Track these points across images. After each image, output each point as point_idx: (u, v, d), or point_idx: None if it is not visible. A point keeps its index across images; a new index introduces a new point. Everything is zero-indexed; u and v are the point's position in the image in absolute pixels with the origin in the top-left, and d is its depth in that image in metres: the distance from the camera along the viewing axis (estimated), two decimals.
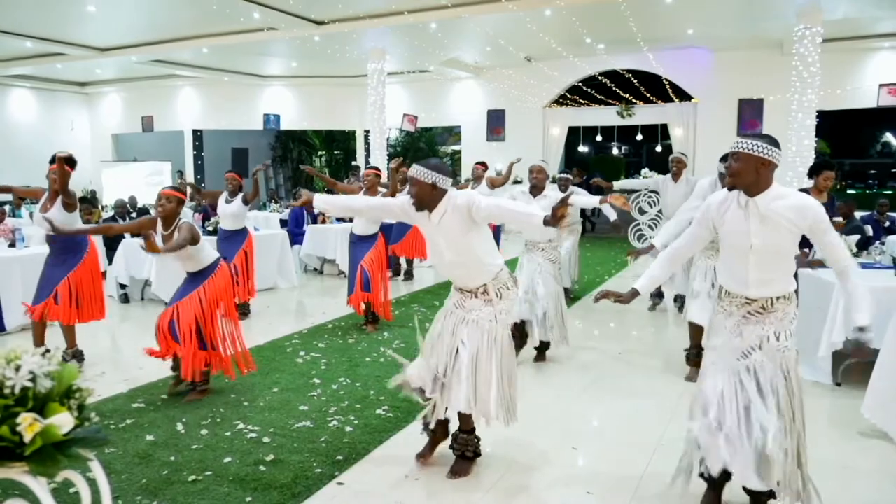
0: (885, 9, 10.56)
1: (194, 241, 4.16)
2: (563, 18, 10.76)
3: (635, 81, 14.13)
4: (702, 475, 2.80)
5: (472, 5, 10.49)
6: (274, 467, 3.24)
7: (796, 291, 2.81)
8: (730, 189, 2.69)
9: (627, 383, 4.69)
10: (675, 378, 4.73)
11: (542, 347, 5.22)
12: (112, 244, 8.23)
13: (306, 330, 6.14)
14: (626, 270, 9.88)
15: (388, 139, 15.02)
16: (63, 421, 1.62)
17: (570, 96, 15.20)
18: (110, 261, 8.00)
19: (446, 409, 3.20)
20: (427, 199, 3.08)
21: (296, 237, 9.64)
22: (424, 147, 22.01)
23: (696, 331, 4.70)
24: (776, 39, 12.31)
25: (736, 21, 11.32)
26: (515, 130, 15.70)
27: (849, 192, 24.48)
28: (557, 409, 4.15)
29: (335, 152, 23.37)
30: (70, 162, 4.71)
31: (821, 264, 4.67)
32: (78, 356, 5.09)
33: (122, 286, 7.59)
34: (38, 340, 4.96)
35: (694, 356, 4.71)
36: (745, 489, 2.75)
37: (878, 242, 6.44)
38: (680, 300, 6.54)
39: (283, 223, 10.83)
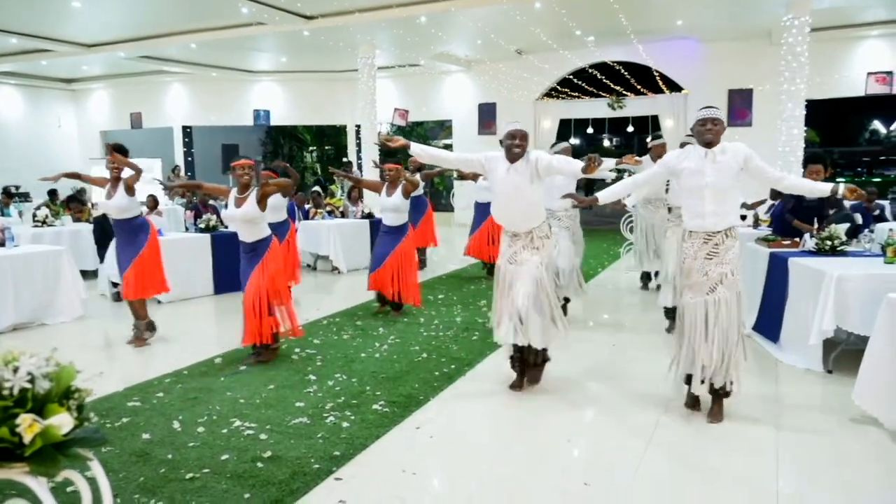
0: None
1: (264, 205, 4.90)
2: (553, 11, 10.74)
3: (626, 73, 14.14)
4: (688, 380, 3.86)
5: None
6: (271, 464, 3.25)
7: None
8: (710, 146, 3.68)
9: (621, 373, 4.71)
10: (666, 366, 4.76)
11: (563, 304, 5.87)
12: (104, 242, 8.18)
13: (301, 326, 6.11)
14: (619, 262, 9.92)
15: (378, 133, 14.96)
16: (62, 421, 1.62)
17: (560, 89, 15.19)
18: (101, 259, 7.96)
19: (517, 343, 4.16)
20: (522, 153, 4.07)
21: None
22: (416, 141, 21.95)
23: (667, 311, 5.80)
24: (765, 29, 12.33)
25: (724, 11, 11.34)
26: (507, 124, 15.67)
27: (838, 180, 24.61)
28: (551, 401, 4.17)
29: (326, 147, 23.30)
30: (120, 149, 5.39)
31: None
32: (150, 327, 5.68)
33: (115, 284, 7.55)
34: (141, 314, 5.63)
35: (670, 318, 5.74)
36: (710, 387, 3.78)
37: (867, 230, 6.48)
38: (646, 277, 7.79)
39: None
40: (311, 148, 23.31)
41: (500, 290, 4.20)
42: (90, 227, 9.05)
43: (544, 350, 4.31)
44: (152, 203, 10.48)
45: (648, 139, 15.47)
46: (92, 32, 12.99)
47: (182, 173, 15.21)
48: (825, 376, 4.53)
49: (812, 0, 10.11)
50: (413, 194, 9.08)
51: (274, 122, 18.12)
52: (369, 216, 9.95)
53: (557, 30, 12.15)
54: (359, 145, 17.39)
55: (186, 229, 8.77)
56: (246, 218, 4.84)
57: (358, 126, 16.95)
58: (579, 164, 3.91)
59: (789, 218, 5.86)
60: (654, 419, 3.80)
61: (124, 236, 5.53)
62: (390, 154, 20.75)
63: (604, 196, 4.06)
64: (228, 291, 7.82)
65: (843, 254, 5.04)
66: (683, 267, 3.81)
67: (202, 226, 8.05)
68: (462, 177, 8.44)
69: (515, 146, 4.06)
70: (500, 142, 4.85)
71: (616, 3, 10.12)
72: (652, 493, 3.01)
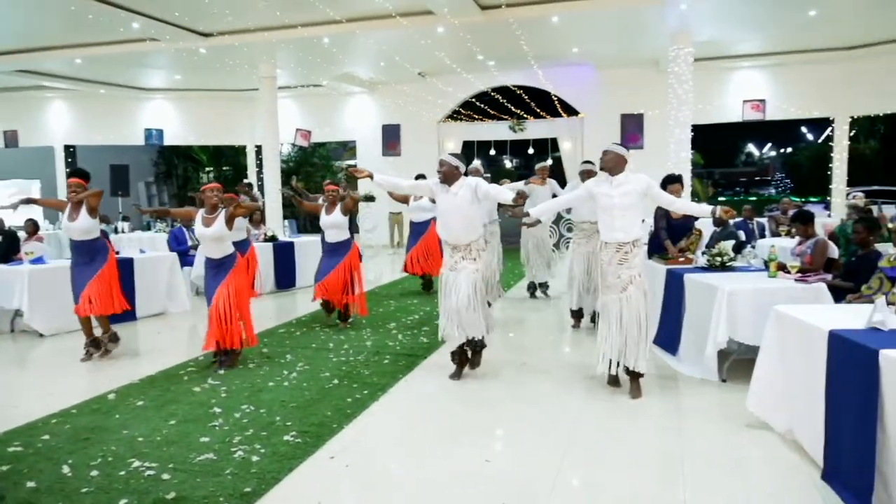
0: (743, 31, 11.57)
1: (232, 225, 5.42)
2: (456, 36, 10.97)
3: (526, 97, 14.62)
4: (610, 365, 4.58)
5: (365, 21, 10.49)
6: None
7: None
8: (602, 169, 4.64)
9: (533, 390, 4.78)
10: (577, 384, 4.89)
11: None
12: None
13: (202, 356, 5.82)
14: (525, 280, 10.13)
15: (279, 153, 14.65)
16: None
17: (463, 111, 15.49)
18: None
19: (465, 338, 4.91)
20: (451, 177, 4.83)
21: (185, 259, 9.16)
22: (318, 162, 21.67)
23: (573, 312, 6.72)
24: (652, 58, 13.14)
25: (615, 40, 12.00)
26: (411, 145, 15.79)
27: (719, 199, 26.50)
28: (467, 422, 4.17)
29: (224, 168, 22.55)
30: (81, 174, 5.80)
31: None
32: (114, 338, 5.93)
33: None
34: (88, 333, 5.84)
35: (576, 317, 6.73)
36: (626, 369, 4.55)
37: (749, 247, 6.98)
38: (532, 287, 8.61)
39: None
40: (207, 169, 22.49)
41: (445, 293, 4.90)
42: None
43: (482, 339, 4.99)
44: (32, 228, 9.71)
45: (548, 160, 16.07)
46: None
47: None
48: (720, 385, 4.78)
49: (693, 32, 10.88)
50: None
51: (167, 141, 17.34)
52: (272, 239, 9.66)
53: (460, 53, 12.41)
54: (259, 166, 16.93)
55: None
56: (215, 236, 5.34)
57: (258, 146, 16.50)
58: (511, 195, 4.73)
59: (664, 236, 6.24)
60: (567, 437, 3.88)
61: (84, 257, 5.75)
62: (292, 175, 20.35)
63: (535, 212, 4.89)
64: (120, 321, 7.33)
65: (732, 269, 5.38)
66: (601, 271, 4.66)
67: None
68: (397, 199, 8.77)
69: (438, 171, 4.88)
70: (471, 171, 5.50)
71: (518, 29, 10.46)
72: (569, 501, 3.05)
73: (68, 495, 3.15)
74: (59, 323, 6.89)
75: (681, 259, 5.89)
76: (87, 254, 5.74)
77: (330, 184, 7.21)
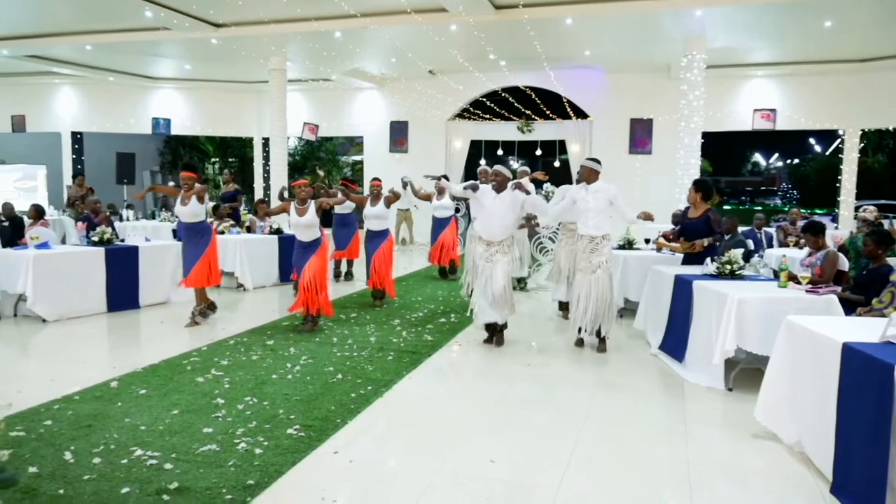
0: (757, 40, 11.51)
1: (321, 214, 6.39)
2: (469, 33, 10.93)
3: (536, 98, 14.58)
4: (579, 330, 5.91)
5: (378, 16, 10.46)
6: (179, 496, 3.01)
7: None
8: (579, 181, 6.04)
9: (538, 391, 4.76)
10: (581, 387, 4.87)
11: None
12: None
13: (206, 347, 5.81)
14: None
15: (286, 146, 14.63)
16: None
17: (472, 110, 15.45)
18: None
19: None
20: (503, 185, 5.78)
21: None
22: (325, 156, 21.67)
23: (561, 304, 7.33)
24: (664, 64, 13.08)
25: (628, 45, 11.95)
26: (418, 142, 15.76)
27: (725, 207, 26.50)
28: (471, 422, 4.14)
29: (230, 159, 22.56)
30: (191, 167, 6.78)
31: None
32: (203, 313, 6.82)
33: None
34: (203, 299, 6.84)
35: (563, 310, 7.24)
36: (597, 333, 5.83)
37: (757, 255, 6.94)
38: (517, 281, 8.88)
39: (176, 234, 10.25)
40: (213, 159, 22.50)
41: (479, 281, 5.84)
42: None
43: (505, 322, 6.03)
44: (35, 214, 9.68)
45: (556, 163, 15.92)
46: None
47: (85, 182, 13.75)
48: (726, 394, 4.75)
49: (708, 39, 10.83)
50: (341, 212, 9.22)
51: (174, 131, 17.31)
52: (278, 231, 9.63)
53: (473, 52, 12.37)
54: (266, 158, 16.91)
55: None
56: (307, 224, 6.33)
57: (266, 139, 16.49)
58: (547, 207, 6.12)
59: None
60: (572, 440, 3.85)
61: (193, 237, 6.65)
62: (299, 170, 20.34)
63: (542, 220, 6.14)
64: (123, 309, 7.34)
65: (741, 277, 5.34)
66: (577, 258, 5.94)
67: (95, 238, 7.50)
68: (421, 197, 9.28)
69: (493, 180, 5.84)
70: (479, 173, 6.31)
71: (531, 29, 10.43)
72: None
73: (70, 482, 3.13)
74: (63, 309, 6.87)
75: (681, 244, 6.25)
76: (196, 234, 6.62)
77: (373, 179, 8.39)
